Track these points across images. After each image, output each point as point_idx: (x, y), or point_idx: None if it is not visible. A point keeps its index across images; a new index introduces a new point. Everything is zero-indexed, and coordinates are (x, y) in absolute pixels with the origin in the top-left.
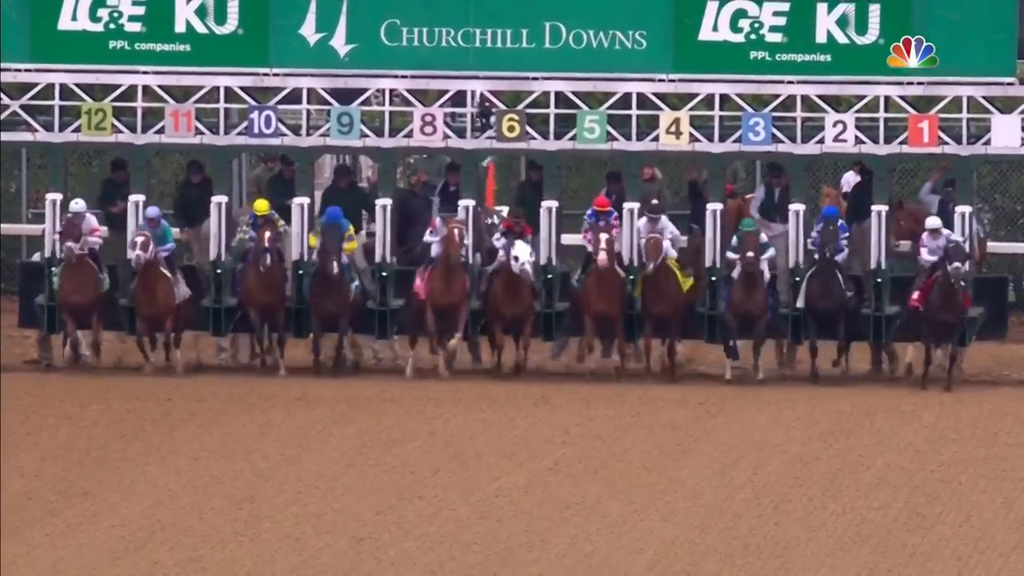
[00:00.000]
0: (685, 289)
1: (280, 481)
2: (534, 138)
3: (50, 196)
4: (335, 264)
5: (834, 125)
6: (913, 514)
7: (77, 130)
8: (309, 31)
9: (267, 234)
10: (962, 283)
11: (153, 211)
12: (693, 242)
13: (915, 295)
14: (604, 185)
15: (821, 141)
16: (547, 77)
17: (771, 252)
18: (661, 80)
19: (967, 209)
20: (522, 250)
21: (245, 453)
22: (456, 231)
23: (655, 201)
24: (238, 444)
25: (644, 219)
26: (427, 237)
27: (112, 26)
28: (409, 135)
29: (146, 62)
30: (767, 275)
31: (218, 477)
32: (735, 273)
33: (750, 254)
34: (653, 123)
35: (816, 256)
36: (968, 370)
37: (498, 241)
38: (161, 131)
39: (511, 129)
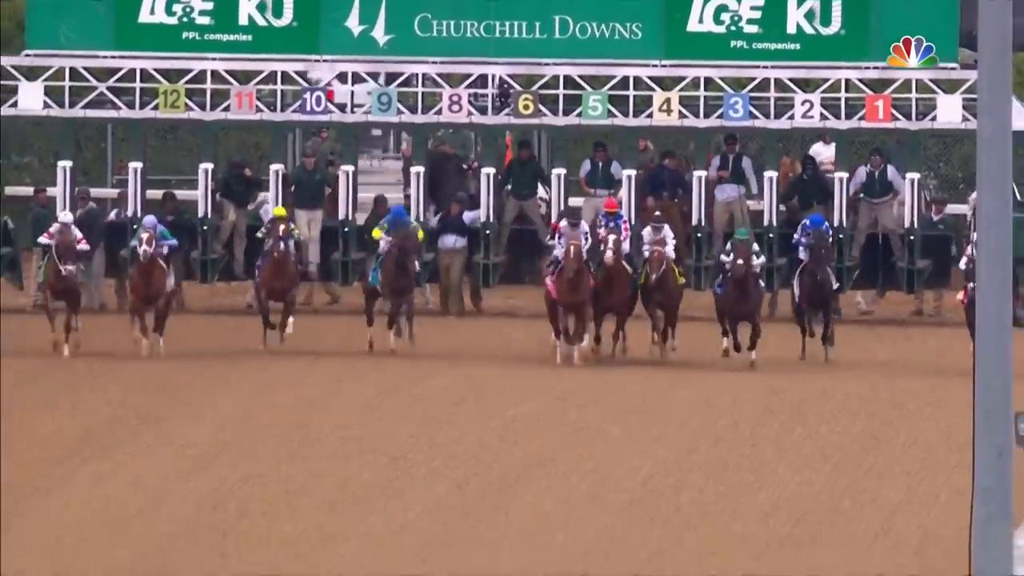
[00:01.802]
0: (678, 284)
1: (328, 409)
2: (545, 115)
3: (132, 164)
4: (416, 261)
5: (802, 104)
6: (869, 437)
7: (155, 108)
8: (353, 23)
9: (281, 227)
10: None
11: (150, 221)
12: (670, 208)
13: (959, 295)
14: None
15: (791, 117)
16: (557, 63)
17: (761, 259)
18: (654, 65)
19: (915, 176)
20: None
21: (297, 385)
22: (573, 248)
23: (658, 213)
24: (291, 378)
25: (649, 228)
26: (554, 242)
27: (185, 19)
28: (439, 112)
29: (214, 50)
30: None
31: (275, 406)
32: (729, 272)
33: (740, 262)
34: (648, 102)
35: (810, 255)
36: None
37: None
38: (227, 109)
39: (526, 107)
